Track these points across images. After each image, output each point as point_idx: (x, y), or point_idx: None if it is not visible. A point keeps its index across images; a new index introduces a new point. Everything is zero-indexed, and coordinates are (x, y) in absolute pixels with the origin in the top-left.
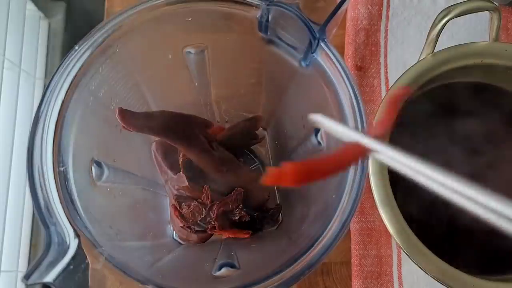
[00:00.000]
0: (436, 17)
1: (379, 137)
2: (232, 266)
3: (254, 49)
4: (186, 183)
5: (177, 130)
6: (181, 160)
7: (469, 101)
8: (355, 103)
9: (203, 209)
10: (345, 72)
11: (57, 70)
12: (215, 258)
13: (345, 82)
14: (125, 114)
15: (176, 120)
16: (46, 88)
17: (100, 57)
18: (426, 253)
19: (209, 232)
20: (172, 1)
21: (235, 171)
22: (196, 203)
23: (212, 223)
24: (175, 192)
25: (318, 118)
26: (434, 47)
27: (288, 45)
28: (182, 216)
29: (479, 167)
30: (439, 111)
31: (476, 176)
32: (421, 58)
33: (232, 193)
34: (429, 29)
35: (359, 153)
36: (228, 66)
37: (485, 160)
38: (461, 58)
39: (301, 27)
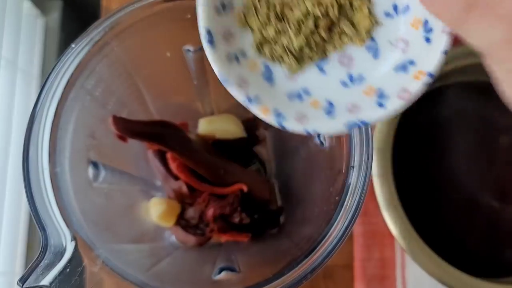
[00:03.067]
0: None
1: None
2: (232, 269)
3: None
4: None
5: (171, 136)
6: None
7: (469, 100)
8: None
9: (199, 212)
10: None
11: (53, 69)
12: (214, 262)
13: None
14: (119, 122)
15: (169, 127)
16: (42, 87)
17: (97, 56)
18: (430, 255)
19: (208, 234)
20: None
21: (233, 173)
22: (192, 206)
23: (211, 225)
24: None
25: None
26: None
27: None
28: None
29: (479, 167)
30: (438, 111)
31: (475, 174)
32: None
33: (229, 196)
34: None
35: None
36: None
37: (485, 160)
38: (461, 58)
39: None
